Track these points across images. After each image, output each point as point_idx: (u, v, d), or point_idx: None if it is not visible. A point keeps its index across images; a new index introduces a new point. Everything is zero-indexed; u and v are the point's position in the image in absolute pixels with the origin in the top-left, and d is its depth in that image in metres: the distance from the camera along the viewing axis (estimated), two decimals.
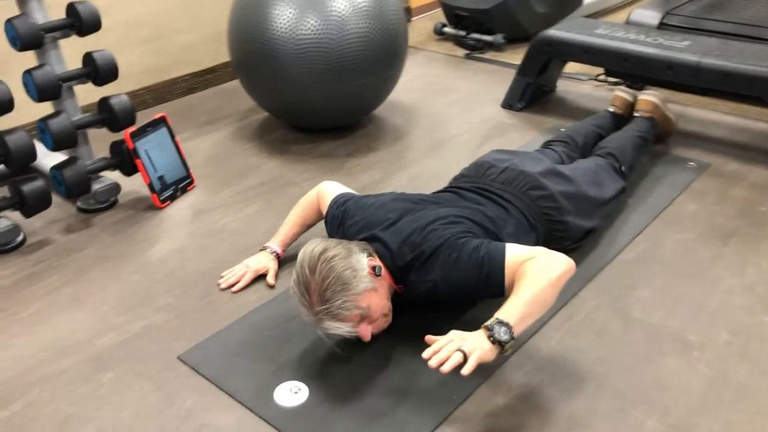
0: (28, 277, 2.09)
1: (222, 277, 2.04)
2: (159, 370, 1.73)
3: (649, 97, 2.66)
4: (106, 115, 2.34)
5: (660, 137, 2.73)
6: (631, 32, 2.88)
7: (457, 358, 1.38)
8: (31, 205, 2.17)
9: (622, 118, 2.70)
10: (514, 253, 1.61)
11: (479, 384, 1.64)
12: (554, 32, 2.97)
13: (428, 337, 1.46)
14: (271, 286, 2.00)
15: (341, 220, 1.88)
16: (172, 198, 2.49)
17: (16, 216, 2.24)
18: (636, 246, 2.16)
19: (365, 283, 1.58)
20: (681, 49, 2.68)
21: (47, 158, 2.46)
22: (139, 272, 2.11)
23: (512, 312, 1.46)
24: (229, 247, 2.21)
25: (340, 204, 1.92)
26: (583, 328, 1.82)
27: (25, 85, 2.16)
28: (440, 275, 1.65)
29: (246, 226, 2.33)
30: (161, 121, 2.48)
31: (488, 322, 1.45)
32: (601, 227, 2.19)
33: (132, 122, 2.40)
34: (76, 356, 1.78)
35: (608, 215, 2.24)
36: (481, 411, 1.57)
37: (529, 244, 1.84)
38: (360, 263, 1.61)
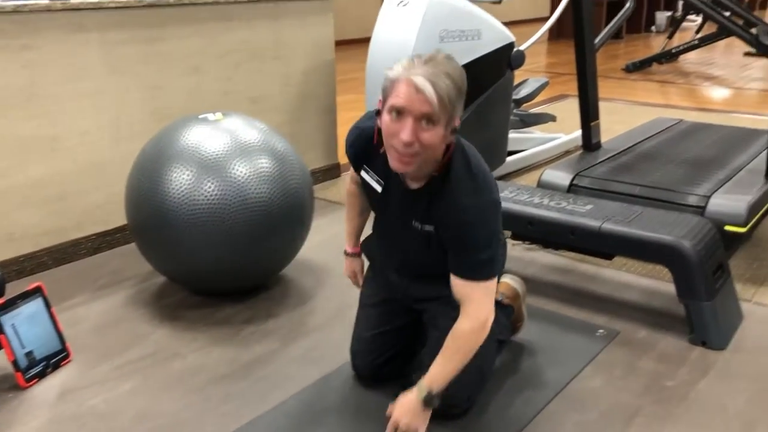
0: None
1: None
2: None
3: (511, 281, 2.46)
4: None
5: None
6: (536, 195, 2.87)
7: None
8: None
9: None
10: (490, 290, 1.80)
11: None
12: None
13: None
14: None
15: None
16: (42, 375, 2.28)
17: None
18: None
19: (457, 112, 1.69)
20: (583, 213, 2.66)
21: None
22: None
23: (440, 380, 1.79)
24: None
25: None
26: None
27: None
28: (468, 202, 1.77)
29: (113, 408, 2.12)
30: (36, 292, 2.32)
31: (424, 396, 1.77)
32: (488, 403, 2.04)
33: (1, 294, 2.24)
34: None
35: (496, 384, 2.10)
36: None
37: None
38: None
